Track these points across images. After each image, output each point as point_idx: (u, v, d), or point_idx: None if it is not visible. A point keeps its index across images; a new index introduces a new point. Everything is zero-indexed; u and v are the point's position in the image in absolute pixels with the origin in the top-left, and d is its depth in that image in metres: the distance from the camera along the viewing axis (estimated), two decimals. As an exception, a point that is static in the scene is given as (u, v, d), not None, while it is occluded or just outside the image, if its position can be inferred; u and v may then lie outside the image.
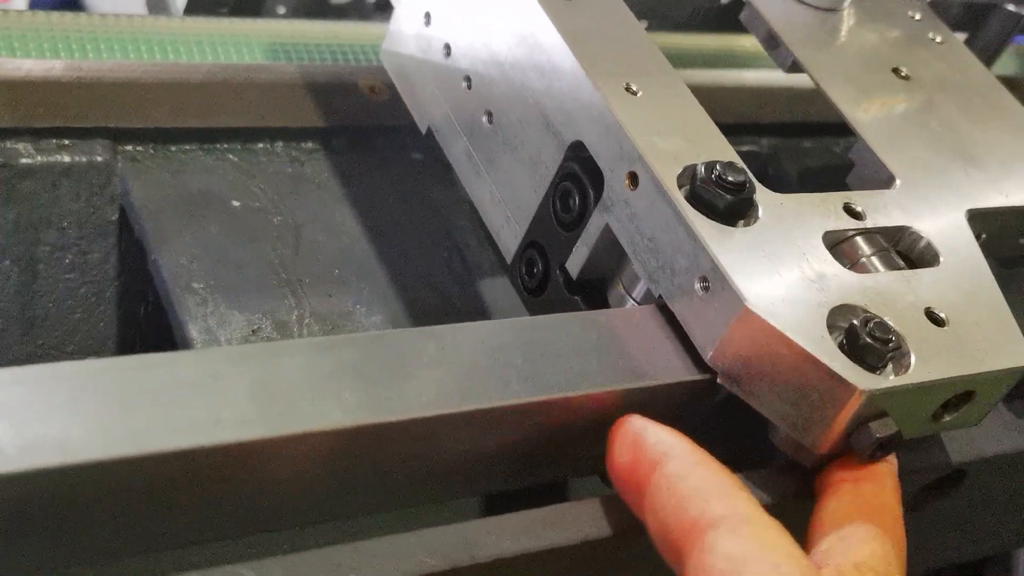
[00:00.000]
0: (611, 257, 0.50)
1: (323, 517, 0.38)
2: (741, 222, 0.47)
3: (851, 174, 0.56)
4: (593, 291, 0.52)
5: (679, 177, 0.47)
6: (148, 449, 0.32)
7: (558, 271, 0.52)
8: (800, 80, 0.88)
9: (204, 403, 0.34)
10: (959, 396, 0.46)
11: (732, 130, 0.53)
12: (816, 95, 0.88)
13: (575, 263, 0.51)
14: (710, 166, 0.47)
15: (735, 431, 0.48)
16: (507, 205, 0.55)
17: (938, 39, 0.64)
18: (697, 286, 0.45)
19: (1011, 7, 0.86)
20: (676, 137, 0.49)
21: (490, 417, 0.38)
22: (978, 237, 0.53)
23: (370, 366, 0.37)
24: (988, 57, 0.86)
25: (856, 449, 0.44)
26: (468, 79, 0.56)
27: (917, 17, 0.65)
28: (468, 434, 0.38)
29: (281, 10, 0.85)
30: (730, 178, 0.46)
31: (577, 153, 0.51)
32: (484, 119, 0.55)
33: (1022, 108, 0.62)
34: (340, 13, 0.86)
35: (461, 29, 0.57)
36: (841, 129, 0.90)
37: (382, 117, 0.68)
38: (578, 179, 0.51)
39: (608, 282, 0.51)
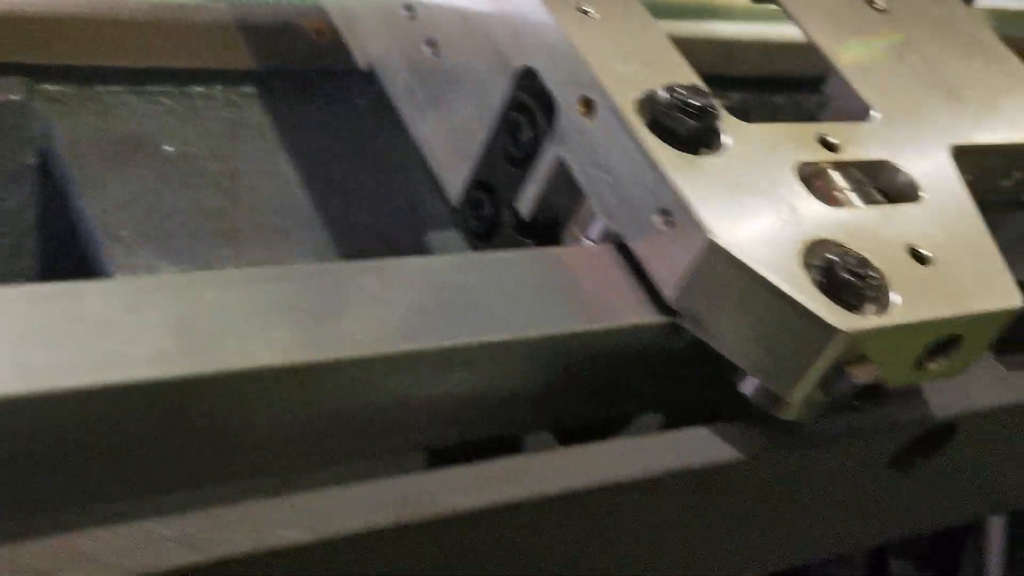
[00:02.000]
0: (565, 194, 0.46)
1: (250, 472, 0.34)
2: (706, 151, 0.43)
3: (826, 110, 0.52)
4: (546, 233, 0.48)
5: (638, 103, 0.43)
6: (44, 387, 0.28)
7: (508, 211, 0.48)
8: (771, 33, 0.85)
9: (117, 338, 0.29)
10: (944, 342, 0.42)
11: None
12: (785, 49, 0.84)
13: (526, 202, 0.47)
14: (671, 89, 0.43)
15: (704, 381, 0.44)
16: (452, 142, 0.51)
17: (916, -29, 0.61)
18: (657, 220, 0.41)
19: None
20: (634, 61, 0.45)
21: (433, 360, 0.34)
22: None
23: (305, 301, 0.33)
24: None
25: (835, 398, 0.40)
26: (409, 7, 0.52)
27: (893, -51, 0.62)
28: (409, 378, 0.34)
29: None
30: (693, 102, 0.42)
31: (527, 81, 0.47)
32: (427, 49, 0.51)
33: (1002, 44, 0.59)
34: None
35: (403, -46, 0.52)
36: (813, 84, 0.87)
37: (328, 60, 0.64)
38: (528, 109, 0.47)
39: (562, 222, 0.47)
